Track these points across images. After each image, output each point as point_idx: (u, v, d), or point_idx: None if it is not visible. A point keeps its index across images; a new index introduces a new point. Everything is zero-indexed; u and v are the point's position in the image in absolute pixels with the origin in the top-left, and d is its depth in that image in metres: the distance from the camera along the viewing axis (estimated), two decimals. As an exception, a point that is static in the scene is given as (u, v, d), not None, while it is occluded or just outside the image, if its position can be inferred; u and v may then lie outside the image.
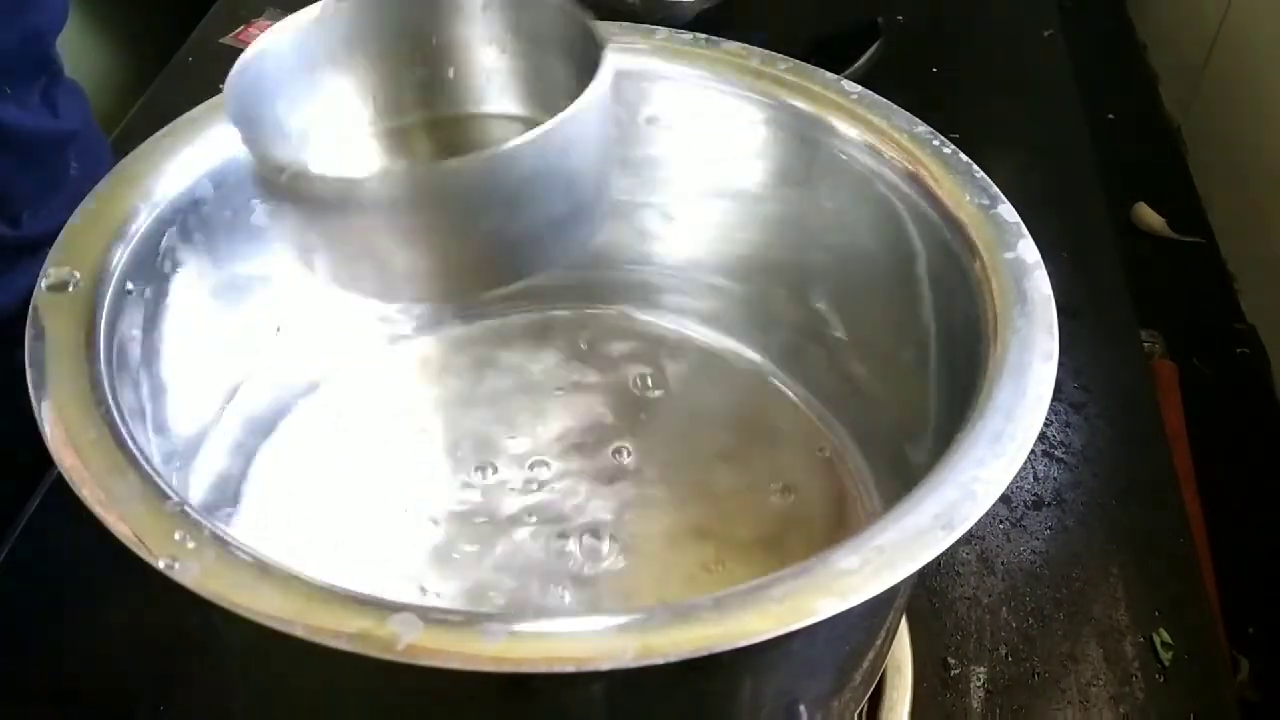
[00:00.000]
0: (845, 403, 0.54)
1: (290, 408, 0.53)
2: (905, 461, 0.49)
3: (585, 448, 0.53)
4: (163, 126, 0.46)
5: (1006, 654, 0.55)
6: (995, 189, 0.45)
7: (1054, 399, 0.39)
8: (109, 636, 0.53)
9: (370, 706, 0.39)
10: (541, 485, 0.52)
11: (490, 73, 0.46)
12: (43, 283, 0.40)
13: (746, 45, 0.52)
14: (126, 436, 0.36)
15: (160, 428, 0.43)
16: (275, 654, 0.38)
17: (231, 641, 0.41)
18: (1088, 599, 0.57)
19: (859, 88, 0.50)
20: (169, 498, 0.34)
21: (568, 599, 0.48)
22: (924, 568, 0.33)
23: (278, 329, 0.52)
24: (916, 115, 0.49)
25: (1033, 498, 0.62)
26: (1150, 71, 1.18)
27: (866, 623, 0.41)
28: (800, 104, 0.50)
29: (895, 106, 0.49)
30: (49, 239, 0.41)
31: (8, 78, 0.59)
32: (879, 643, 0.45)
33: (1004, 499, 0.61)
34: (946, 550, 0.33)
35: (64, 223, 0.42)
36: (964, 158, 0.47)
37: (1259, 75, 0.98)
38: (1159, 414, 0.68)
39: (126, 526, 0.33)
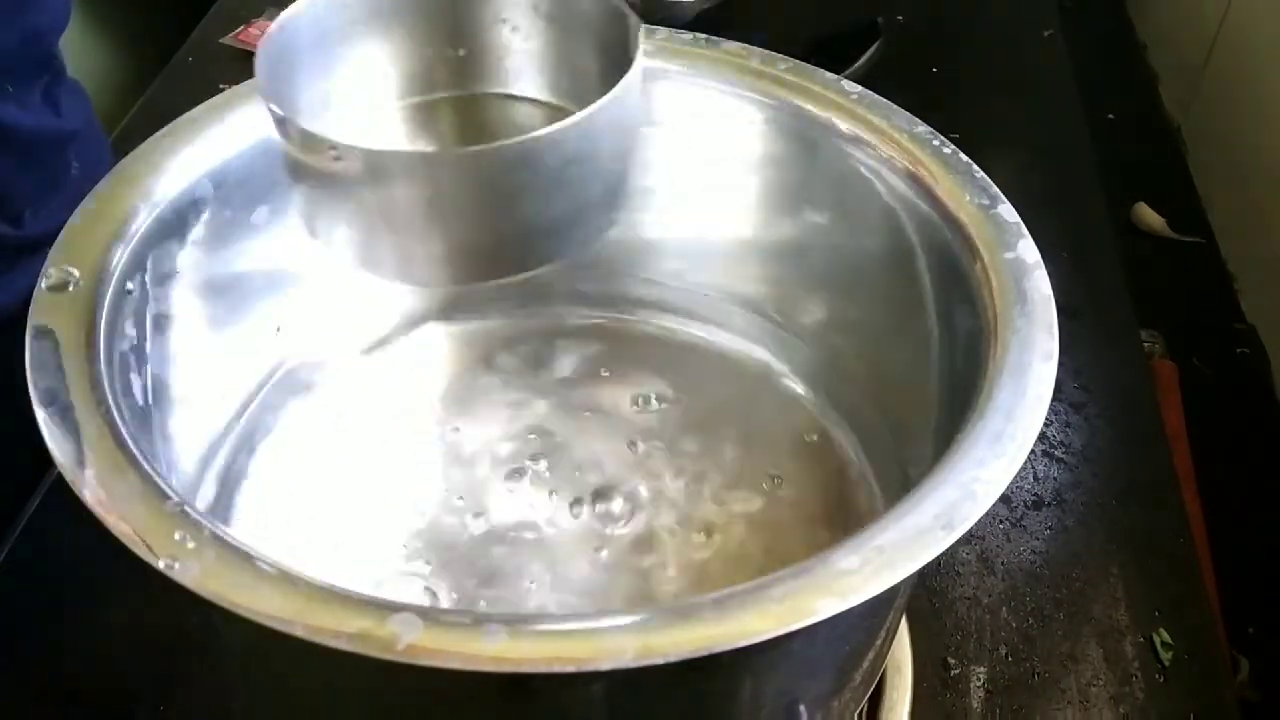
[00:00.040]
0: (845, 402, 0.54)
1: (290, 408, 0.53)
2: (905, 461, 0.49)
3: (587, 446, 0.53)
4: (163, 126, 0.46)
5: (1006, 654, 0.55)
6: (995, 189, 0.45)
7: (1054, 399, 0.39)
8: (109, 636, 0.53)
9: (370, 706, 0.39)
10: (541, 485, 0.52)
11: (513, 53, 0.46)
12: (43, 283, 0.40)
13: (746, 45, 0.52)
14: (126, 436, 0.36)
15: (161, 428, 0.43)
16: (275, 654, 0.38)
17: (231, 641, 0.41)
18: (1088, 599, 0.57)
19: (859, 88, 0.50)
20: (169, 498, 0.34)
21: (571, 599, 0.48)
22: (924, 568, 0.33)
23: (278, 329, 0.52)
24: (916, 115, 0.49)
25: (1033, 498, 0.62)
26: (1150, 71, 1.18)
27: (866, 623, 0.41)
28: (800, 104, 0.50)
29: (895, 106, 0.49)
30: (50, 239, 0.41)
31: (9, 77, 0.59)
32: (879, 643, 0.45)
33: (1004, 499, 0.61)
34: (946, 550, 0.33)
35: (64, 222, 0.42)
36: (964, 158, 0.47)
37: (1259, 75, 0.98)
38: (1159, 414, 0.68)
39: (126, 526, 0.33)
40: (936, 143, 0.47)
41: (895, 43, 0.88)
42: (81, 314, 0.39)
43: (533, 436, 0.54)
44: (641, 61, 0.40)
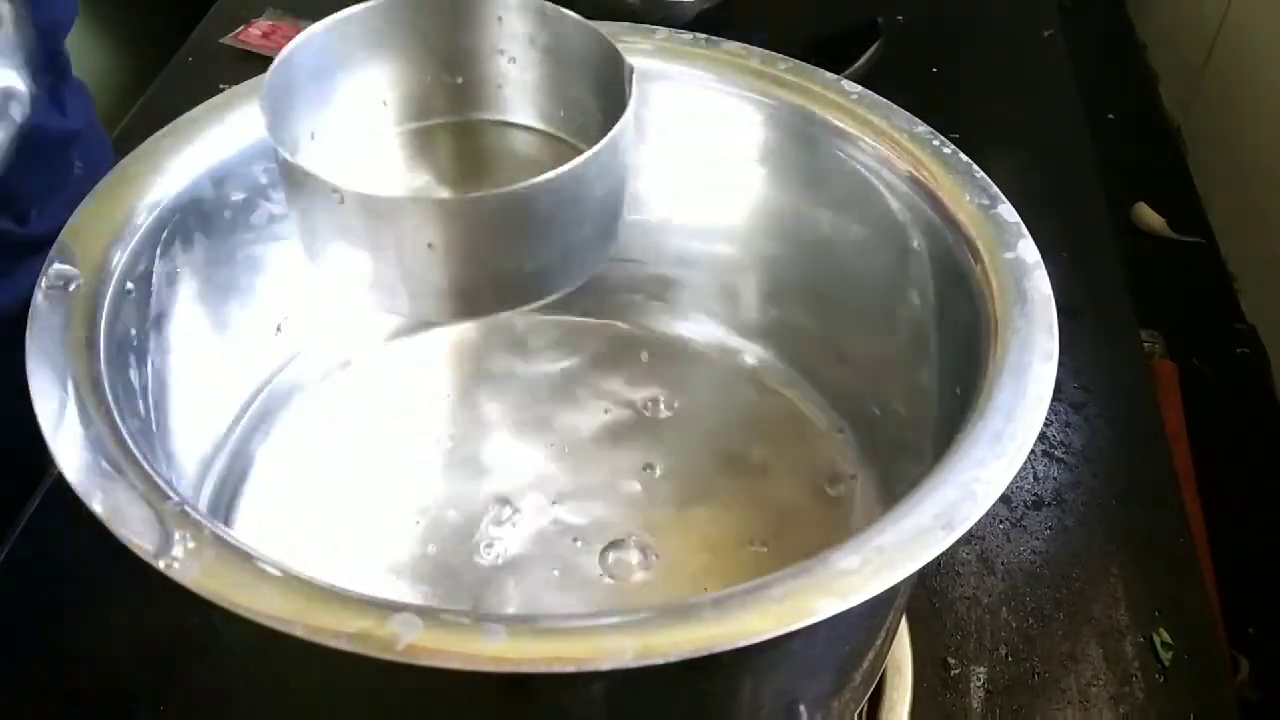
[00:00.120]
0: (845, 402, 0.54)
1: (290, 408, 0.53)
2: (905, 461, 0.49)
3: (586, 447, 0.53)
4: (163, 126, 0.47)
5: (1006, 654, 0.55)
6: (995, 189, 0.45)
7: (1054, 399, 0.39)
8: (109, 636, 0.53)
9: (370, 706, 0.39)
10: (541, 485, 0.52)
11: (510, 83, 0.47)
12: (43, 282, 0.40)
13: (746, 45, 0.52)
14: (126, 436, 0.36)
15: (161, 427, 0.43)
16: (275, 654, 0.38)
17: (231, 641, 0.41)
18: (1088, 599, 0.57)
19: (859, 88, 0.50)
20: (169, 498, 0.34)
21: (568, 598, 0.48)
22: (924, 568, 0.33)
23: (278, 329, 0.52)
24: (916, 115, 0.49)
25: (1033, 498, 0.62)
26: (1150, 71, 1.18)
27: (866, 623, 0.41)
28: (800, 104, 0.50)
29: (895, 106, 0.49)
30: (52, 238, 0.41)
31: None
32: (879, 643, 0.45)
33: (1004, 499, 0.61)
34: (946, 550, 0.33)
35: (66, 222, 0.42)
36: (964, 158, 0.47)
37: (1259, 75, 0.98)
38: (1159, 414, 0.68)
39: (126, 526, 0.33)
40: (936, 143, 0.47)
41: (895, 43, 0.88)
42: (81, 314, 0.39)
43: (532, 437, 0.54)
44: (635, 106, 0.41)
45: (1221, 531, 0.70)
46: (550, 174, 0.38)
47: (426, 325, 0.57)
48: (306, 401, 0.54)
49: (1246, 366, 0.91)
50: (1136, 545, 0.60)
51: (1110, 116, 1.06)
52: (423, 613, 0.31)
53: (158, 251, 0.44)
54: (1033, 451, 0.39)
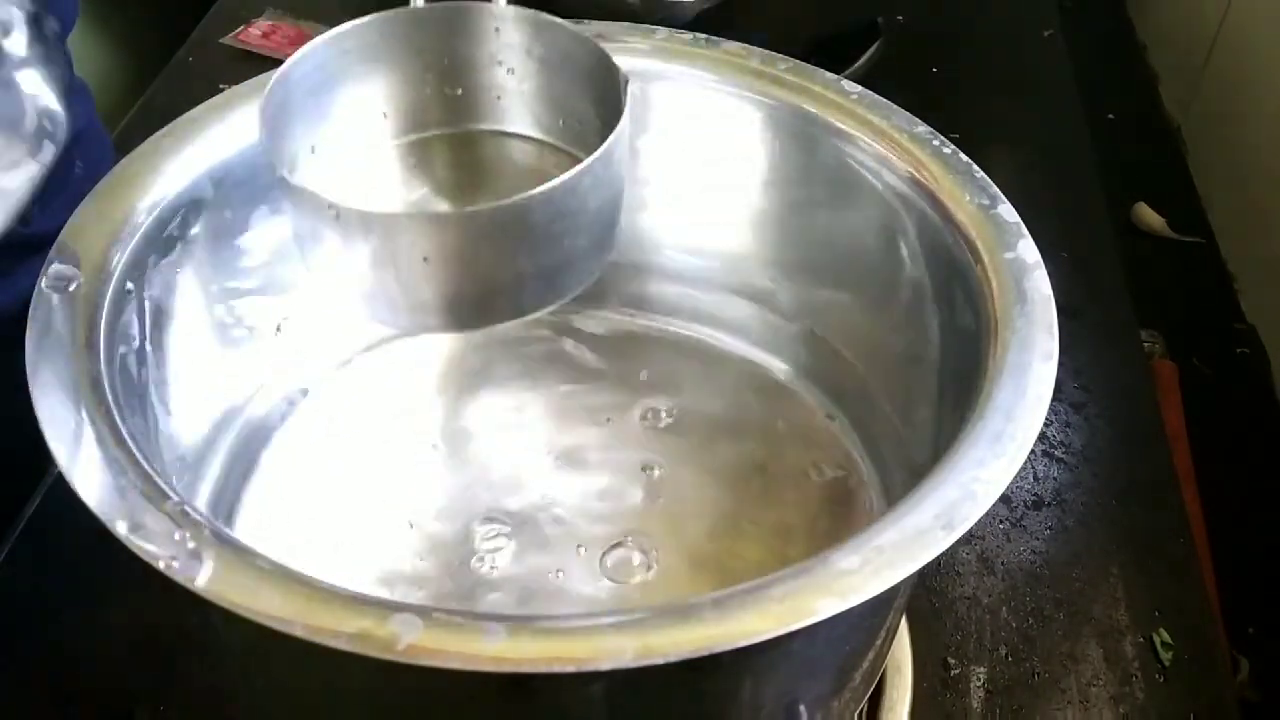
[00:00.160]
0: (845, 401, 0.54)
1: (290, 408, 0.53)
2: (905, 461, 0.49)
3: (586, 448, 0.53)
4: (163, 126, 0.47)
5: (1006, 654, 0.55)
6: (995, 189, 0.45)
7: (1054, 399, 0.39)
8: (109, 636, 0.53)
9: (370, 706, 0.39)
10: (541, 484, 0.52)
11: (502, 91, 0.48)
12: (42, 282, 0.40)
13: (746, 45, 0.52)
14: (126, 436, 0.36)
15: (161, 428, 0.43)
16: (275, 654, 0.38)
17: (231, 641, 0.41)
18: (1088, 599, 0.57)
19: (859, 88, 0.50)
20: (169, 498, 0.34)
21: (568, 600, 0.48)
22: (924, 568, 0.33)
23: (278, 329, 0.52)
24: (916, 115, 0.49)
25: (1033, 498, 0.62)
26: (1150, 71, 1.18)
27: (866, 623, 0.41)
28: (800, 104, 0.50)
29: (895, 106, 0.49)
30: (52, 238, 0.41)
31: None
32: (879, 643, 0.45)
33: (1004, 499, 0.61)
34: (946, 550, 0.33)
35: (66, 222, 0.42)
36: (964, 158, 0.47)
37: (1259, 75, 0.98)
38: (1159, 414, 0.68)
39: (126, 526, 0.33)
40: (936, 143, 0.47)
41: (895, 43, 0.88)
42: (81, 314, 0.39)
43: (532, 436, 0.54)
44: (629, 118, 0.41)
45: (1221, 531, 0.70)
46: (544, 187, 0.38)
47: (426, 325, 0.57)
48: (306, 401, 0.54)
49: (1246, 366, 0.91)
50: (1136, 545, 0.60)
51: (1110, 116, 1.06)
52: (423, 613, 0.31)
53: (158, 251, 0.44)
54: (1033, 451, 0.39)
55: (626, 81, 0.42)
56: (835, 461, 0.53)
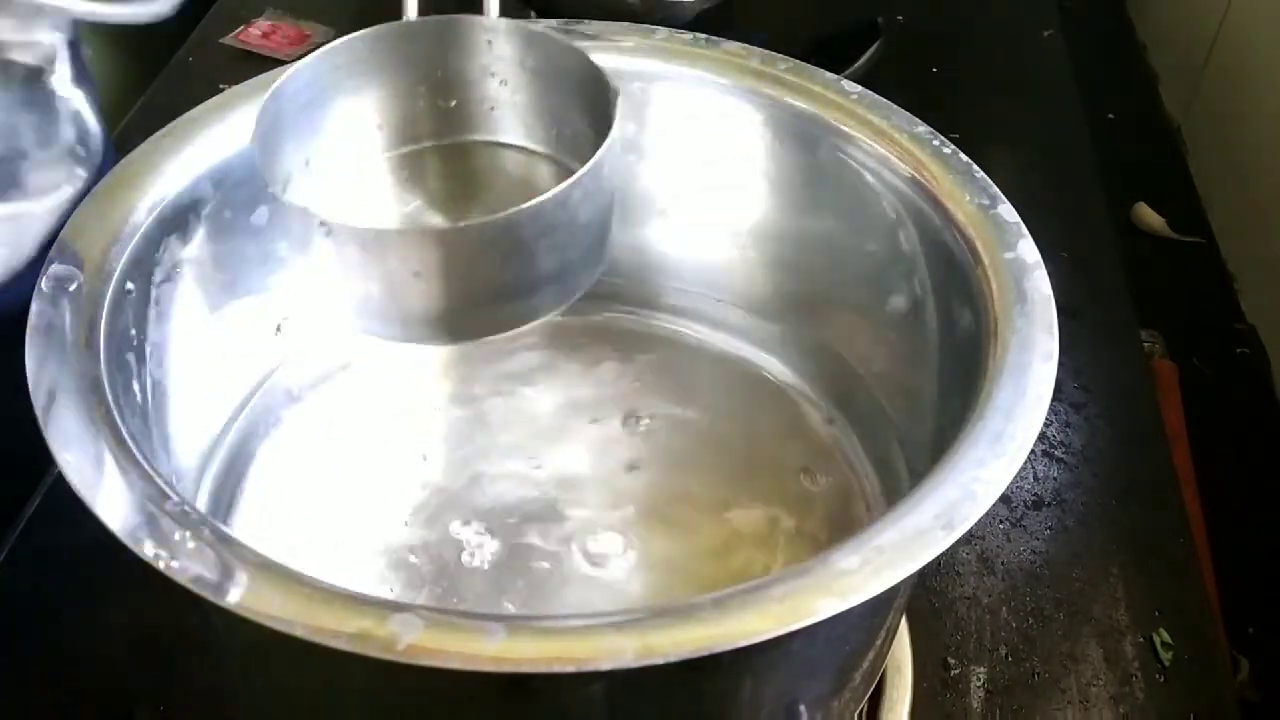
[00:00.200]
0: (845, 401, 0.54)
1: (289, 408, 0.53)
2: (905, 461, 0.49)
3: (585, 446, 0.53)
4: (163, 126, 0.47)
5: (1006, 654, 0.55)
6: (995, 189, 0.45)
7: (1054, 399, 0.39)
8: (109, 636, 0.53)
9: (370, 706, 0.39)
10: (542, 483, 0.52)
11: (496, 103, 0.48)
12: (42, 282, 0.40)
13: (746, 45, 0.52)
14: (126, 436, 0.36)
15: (161, 427, 0.43)
16: (275, 654, 0.38)
17: (231, 641, 0.41)
18: (1088, 599, 0.57)
19: (859, 88, 0.50)
20: (169, 498, 0.34)
21: (570, 600, 0.48)
22: (924, 568, 0.33)
23: (278, 329, 0.52)
24: (916, 115, 0.49)
25: (1033, 498, 0.62)
26: (1150, 71, 1.18)
27: (866, 623, 0.41)
28: (800, 104, 0.50)
29: (895, 106, 0.49)
30: (52, 238, 0.41)
31: None
32: (879, 643, 0.45)
33: (1004, 499, 0.61)
34: (946, 550, 0.33)
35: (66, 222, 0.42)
36: (964, 158, 0.47)
37: (1259, 75, 0.98)
38: (1159, 414, 0.68)
39: (127, 526, 0.33)
40: (936, 143, 0.47)
41: (895, 43, 0.88)
42: (82, 314, 0.39)
43: (530, 436, 0.54)
44: (619, 131, 0.41)
45: (1221, 531, 0.70)
46: (533, 201, 0.39)
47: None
48: (306, 402, 0.54)
49: (1246, 366, 0.91)
50: (1136, 545, 0.60)
51: (1110, 116, 1.06)
52: (423, 613, 0.31)
53: (158, 252, 0.44)
54: (1033, 451, 0.39)
55: (617, 94, 0.42)
56: (834, 463, 0.53)
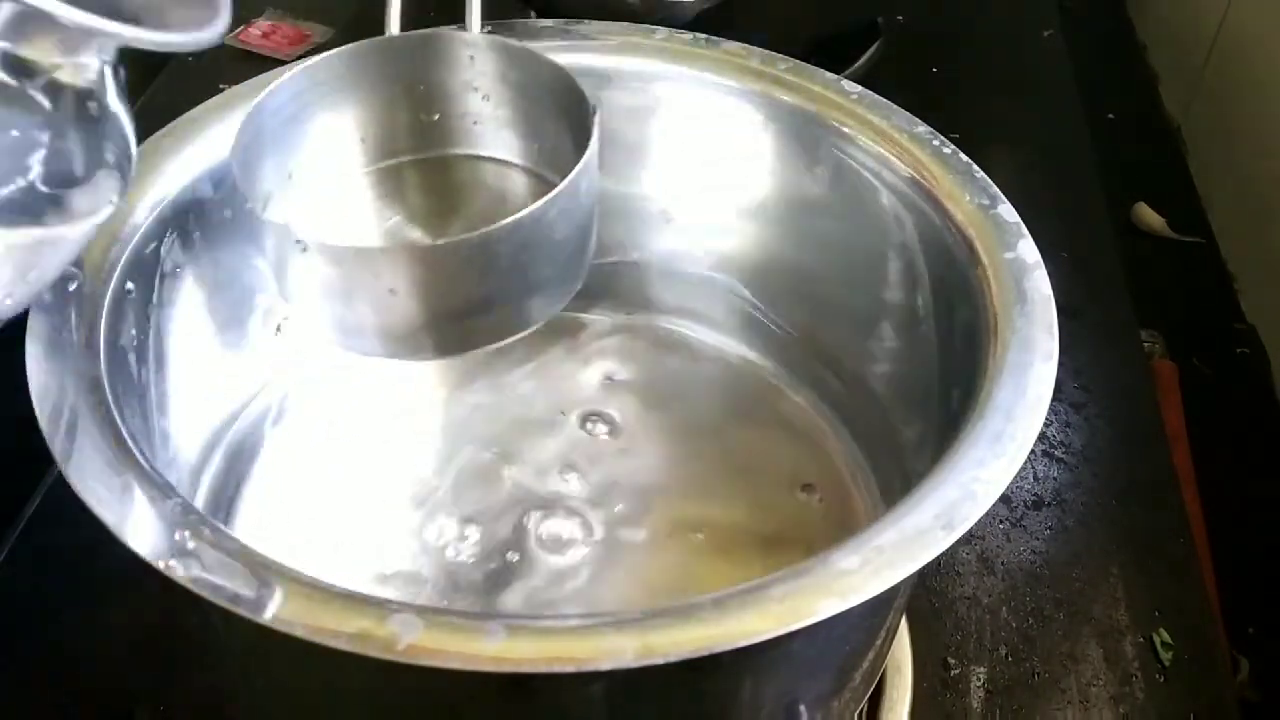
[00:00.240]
0: (845, 401, 0.54)
1: (290, 408, 0.53)
2: (905, 461, 0.49)
3: (585, 445, 0.53)
4: (163, 126, 0.47)
5: (1006, 654, 0.55)
6: (995, 189, 0.45)
7: (1054, 399, 0.39)
8: (109, 636, 0.53)
9: (370, 706, 0.39)
10: (541, 482, 0.52)
11: (478, 117, 0.49)
12: (43, 282, 0.40)
13: (746, 45, 0.52)
14: (126, 436, 0.36)
15: (161, 427, 0.43)
16: (275, 654, 0.38)
17: (231, 641, 0.41)
18: (1088, 599, 0.57)
19: (859, 88, 0.50)
20: (169, 498, 0.34)
21: (572, 597, 0.48)
22: (924, 568, 0.33)
23: (278, 329, 0.52)
24: (916, 115, 0.49)
25: (1033, 498, 0.62)
26: (1150, 71, 1.18)
27: (866, 623, 0.41)
28: (800, 104, 0.50)
29: (895, 106, 0.49)
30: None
31: None
32: (879, 643, 0.45)
33: (1004, 499, 0.61)
34: (946, 550, 0.33)
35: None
36: (964, 158, 0.47)
37: (1259, 75, 0.98)
38: (1159, 414, 0.68)
39: (126, 526, 0.33)
40: (936, 143, 0.47)
41: (895, 43, 0.88)
42: (82, 314, 0.39)
43: (530, 435, 0.54)
44: (596, 148, 0.42)
45: (1221, 531, 0.70)
46: (508, 220, 0.39)
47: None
48: (306, 402, 0.54)
49: (1246, 366, 0.91)
50: (1136, 545, 0.60)
51: (1110, 116, 1.06)
52: (423, 613, 0.31)
53: (158, 251, 0.44)
54: (1033, 451, 0.39)
55: (595, 110, 0.43)
56: (833, 459, 0.53)
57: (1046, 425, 0.51)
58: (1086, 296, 0.72)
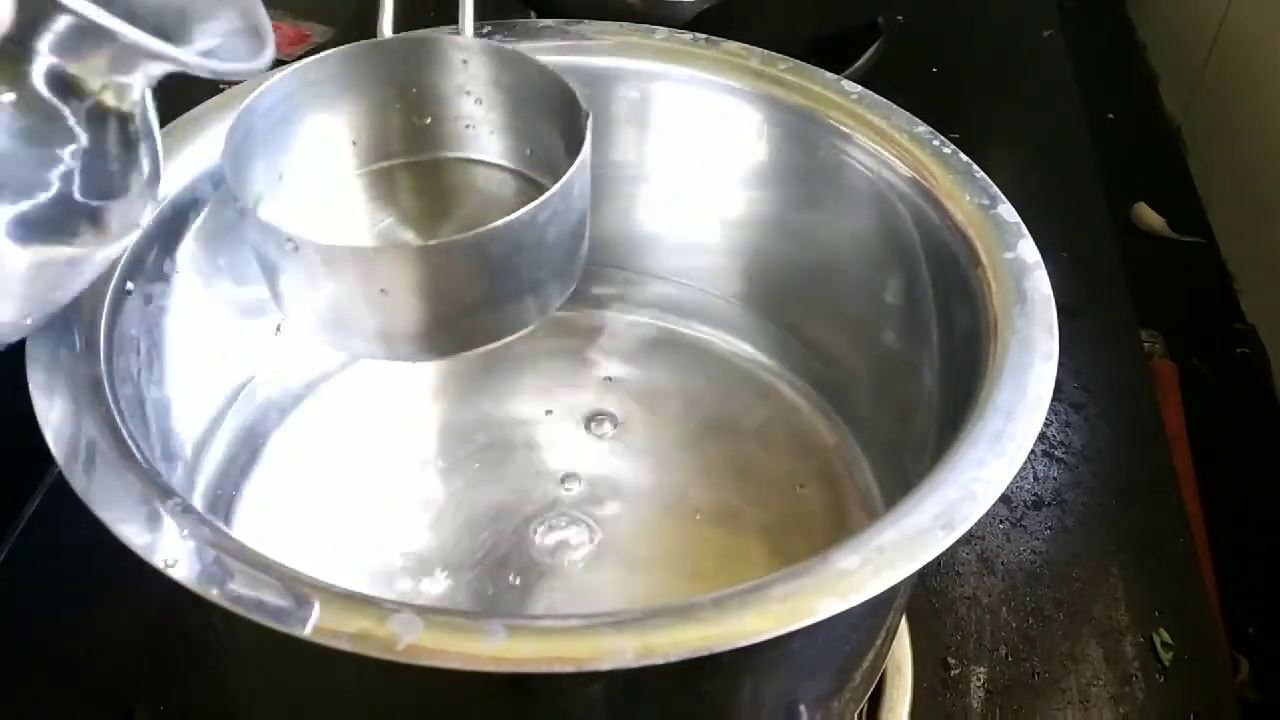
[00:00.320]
0: (844, 401, 0.54)
1: (290, 408, 0.53)
2: (905, 461, 0.49)
3: (584, 444, 0.53)
4: (163, 126, 0.46)
5: (1006, 654, 0.55)
6: (995, 189, 0.45)
7: (1054, 399, 0.39)
8: (109, 636, 0.53)
9: (370, 706, 0.39)
10: (542, 482, 0.52)
11: (471, 121, 0.48)
12: (43, 283, 0.40)
13: (746, 45, 0.52)
14: (126, 436, 0.36)
15: (161, 427, 0.43)
16: (275, 654, 0.38)
17: (231, 641, 0.41)
18: (1088, 599, 0.57)
19: (859, 88, 0.50)
20: (169, 498, 0.34)
21: (572, 597, 0.48)
22: (924, 568, 0.33)
23: (278, 329, 0.52)
24: (916, 115, 0.49)
25: (1033, 498, 0.62)
26: (1150, 71, 1.18)
27: (866, 623, 0.41)
28: (800, 104, 0.50)
29: (895, 106, 0.49)
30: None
31: None
32: (879, 643, 0.45)
33: (1004, 499, 0.61)
34: (946, 550, 0.33)
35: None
36: (964, 158, 0.47)
37: (1259, 75, 0.98)
38: (1159, 414, 0.68)
39: (127, 526, 0.33)
40: (936, 143, 0.47)
41: (895, 43, 0.88)
42: (81, 314, 0.39)
43: (530, 434, 0.54)
44: (588, 151, 0.42)
45: (1221, 531, 0.70)
46: (500, 221, 0.39)
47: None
48: (305, 401, 0.54)
49: (1246, 366, 0.91)
50: (1136, 545, 0.60)
51: (1110, 116, 1.06)
52: (423, 613, 0.31)
53: (158, 252, 0.44)
54: (1033, 451, 0.39)
55: (588, 116, 0.43)
56: (833, 459, 0.53)
57: (1046, 425, 0.52)
58: (1086, 296, 0.72)
